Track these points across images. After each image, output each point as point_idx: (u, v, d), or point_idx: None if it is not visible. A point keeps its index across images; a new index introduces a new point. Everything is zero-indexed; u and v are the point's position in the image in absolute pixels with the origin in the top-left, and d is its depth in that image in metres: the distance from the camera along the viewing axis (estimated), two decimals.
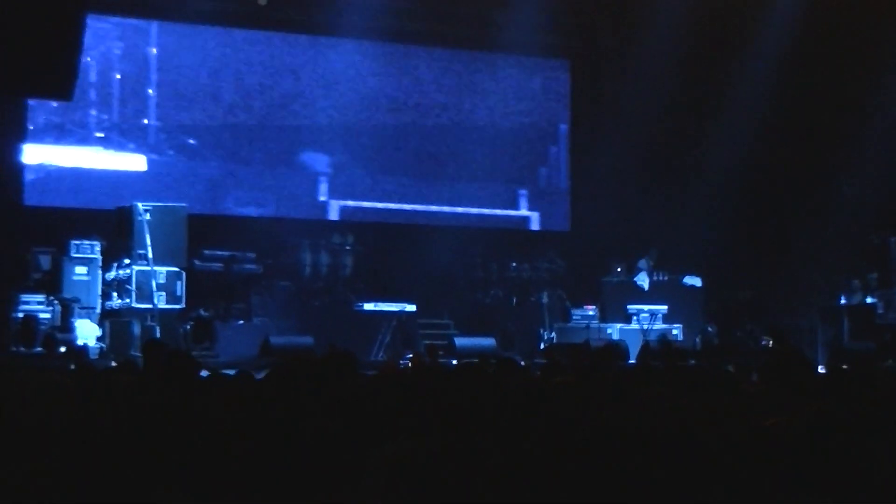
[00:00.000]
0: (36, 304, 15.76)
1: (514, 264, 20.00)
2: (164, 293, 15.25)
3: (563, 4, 19.80)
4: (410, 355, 15.09)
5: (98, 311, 15.77)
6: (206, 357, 14.72)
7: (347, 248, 19.25)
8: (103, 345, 15.17)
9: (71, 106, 17.60)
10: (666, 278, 19.05)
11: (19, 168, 17.62)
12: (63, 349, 14.79)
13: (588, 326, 17.85)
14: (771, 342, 17.20)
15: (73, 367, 10.87)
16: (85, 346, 14.73)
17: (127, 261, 15.47)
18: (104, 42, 18.52)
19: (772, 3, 19.15)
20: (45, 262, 16.22)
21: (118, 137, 18.68)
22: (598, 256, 19.60)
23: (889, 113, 18.93)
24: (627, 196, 20.01)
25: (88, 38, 15.92)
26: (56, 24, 14.15)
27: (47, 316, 15.60)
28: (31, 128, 17.96)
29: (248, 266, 18.07)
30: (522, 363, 10.50)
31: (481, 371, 5.24)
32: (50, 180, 18.11)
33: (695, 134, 20.08)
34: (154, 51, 18.94)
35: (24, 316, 15.52)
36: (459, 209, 20.67)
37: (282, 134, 19.77)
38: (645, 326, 17.88)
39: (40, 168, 18.05)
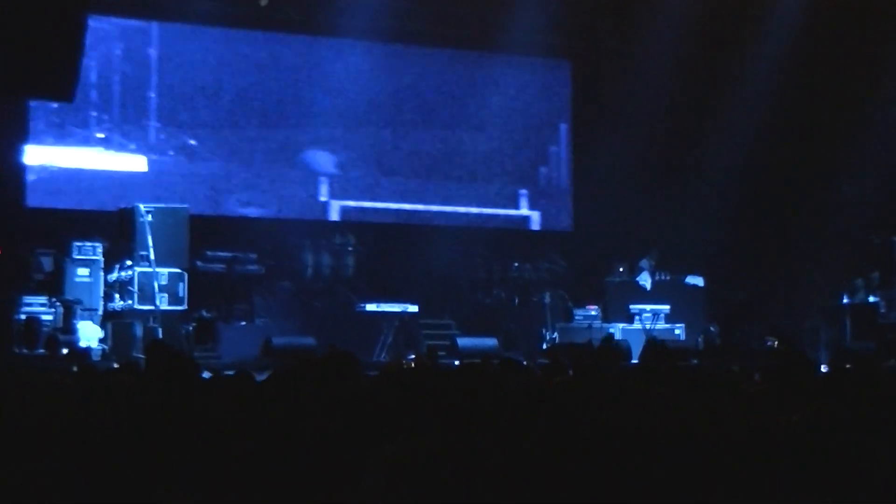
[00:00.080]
0: (38, 306, 15.76)
1: (515, 264, 20.00)
2: (166, 294, 15.25)
3: (564, 5, 19.78)
4: (412, 357, 15.08)
5: (100, 312, 15.76)
6: (208, 358, 14.74)
7: (349, 248, 19.25)
8: (105, 346, 15.17)
9: (72, 107, 17.59)
10: (668, 278, 19.04)
11: (21, 169, 17.62)
12: (65, 351, 14.78)
13: (590, 326, 17.84)
14: (776, 343, 17.17)
15: (75, 368, 10.87)
16: (87, 348, 14.74)
17: (129, 262, 15.47)
18: (105, 43, 18.53)
19: (772, 4, 19.15)
20: (47, 263, 16.22)
21: (119, 138, 18.69)
22: (600, 256, 19.59)
23: (889, 112, 18.92)
24: (628, 196, 20.00)
25: (89, 39, 15.92)
26: (57, 26, 14.16)
27: (49, 318, 15.59)
28: (32, 129, 17.96)
29: (250, 267, 18.07)
30: (525, 363, 10.48)
31: (484, 370, 5.23)
32: (51, 181, 18.12)
33: (695, 133, 20.07)
34: (155, 52, 18.95)
35: (27, 318, 15.51)
36: (460, 209, 20.68)
37: (283, 134, 19.77)
38: (647, 326, 17.87)
39: (42, 169, 18.06)
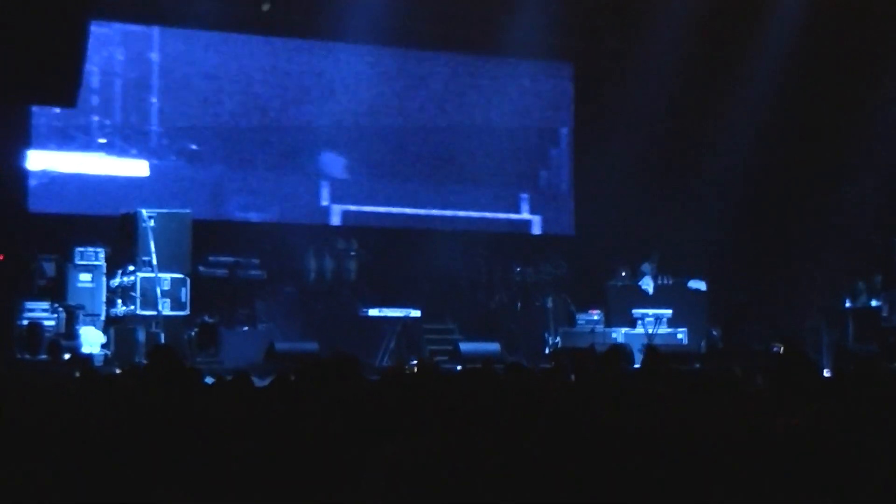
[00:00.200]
0: (41, 312, 15.75)
1: (518, 268, 19.99)
2: (168, 299, 15.27)
3: (566, 8, 19.78)
4: (415, 362, 15.07)
5: (103, 317, 15.78)
6: (211, 363, 14.74)
7: (352, 253, 19.25)
8: (108, 352, 15.18)
9: (74, 112, 17.62)
10: (670, 282, 19.04)
11: (23, 174, 17.62)
12: (68, 356, 14.77)
13: (593, 331, 17.83)
14: (782, 348, 17.13)
15: (77, 374, 10.87)
16: (90, 354, 14.74)
17: (131, 267, 15.48)
18: (107, 48, 18.56)
19: (773, 6, 19.15)
20: (50, 269, 16.23)
21: (121, 143, 18.70)
22: (602, 260, 19.57)
23: (889, 112, 18.91)
24: (630, 199, 19.99)
25: (91, 45, 15.94)
26: (60, 31, 14.17)
27: (52, 323, 15.59)
28: (35, 134, 17.97)
29: (253, 272, 18.06)
30: (528, 367, 10.47)
31: (487, 374, 5.23)
32: (53, 186, 18.13)
33: (697, 136, 20.06)
34: (157, 56, 18.97)
35: (29, 323, 15.51)
36: (461, 213, 20.68)
37: (284, 138, 19.78)
38: (650, 330, 17.87)
39: (44, 174, 18.07)
